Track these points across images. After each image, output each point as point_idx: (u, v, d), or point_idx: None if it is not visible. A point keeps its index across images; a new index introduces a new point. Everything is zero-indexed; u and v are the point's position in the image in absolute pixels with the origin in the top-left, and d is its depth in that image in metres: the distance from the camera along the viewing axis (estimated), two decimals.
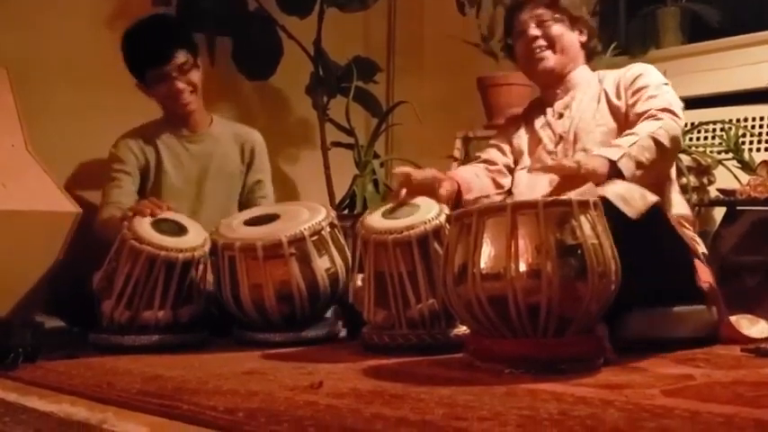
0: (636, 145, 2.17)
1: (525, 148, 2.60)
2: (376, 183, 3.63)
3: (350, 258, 2.46)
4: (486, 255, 1.73)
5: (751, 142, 3.28)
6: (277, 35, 3.68)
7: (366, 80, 3.88)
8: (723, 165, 3.16)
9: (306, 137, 3.99)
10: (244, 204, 3.01)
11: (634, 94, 2.41)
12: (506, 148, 2.66)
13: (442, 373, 1.82)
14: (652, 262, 1.88)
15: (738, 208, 2.94)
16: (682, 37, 3.76)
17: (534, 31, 2.51)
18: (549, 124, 2.56)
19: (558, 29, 2.52)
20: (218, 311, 2.50)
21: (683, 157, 3.12)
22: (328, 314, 2.56)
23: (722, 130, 3.23)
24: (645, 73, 2.45)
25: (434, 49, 4.28)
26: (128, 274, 2.32)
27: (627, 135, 2.24)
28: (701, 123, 3.32)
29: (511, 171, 2.64)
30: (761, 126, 3.31)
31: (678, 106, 2.34)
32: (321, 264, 2.41)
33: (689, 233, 2.31)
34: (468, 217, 1.78)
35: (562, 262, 1.69)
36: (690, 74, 3.47)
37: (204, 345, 2.41)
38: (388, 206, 2.32)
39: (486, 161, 2.65)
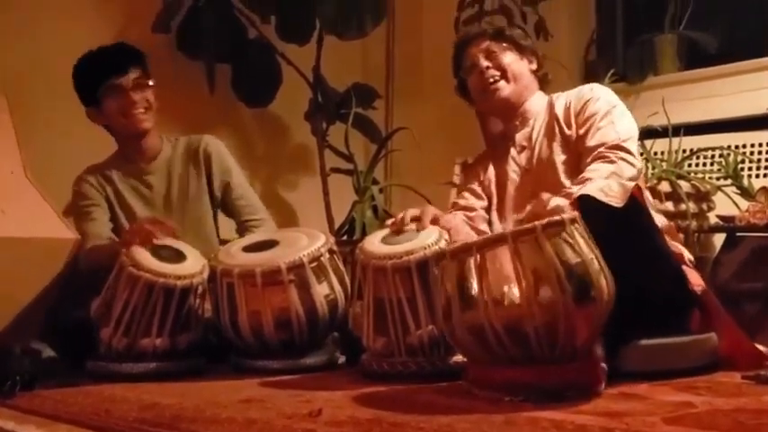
0: (591, 183, 2.10)
1: (494, 186, 2.58)
2: (375, 209, 3.64)
3: (349, 285, 2.46)
4: (492, 285, 1.73)
5: (750, 168, 3.29)
6: (276, 62, 3.70)
7: (365, 106, 3.90)
8: (722, 191, 3.16)
9: (305, 163, 4.00)
10: (226, 213, 2.92)
11: (583, 123, 2.39)
12: (479, 189, 2.62)
13: (441, 400, 1.81)
14: (638, 268, 1.90)
15: (738, 234, 2.94)
16: (679, 64, 3.78)
17: (485, 62, 2.51)
18: (513, 159, 2.54)
19: (507, 58, 2.52)
20: (217, 338, 2.49)
21: (683, 183, 3.12)
22: (327, 341, 2.55)
23: (721, 156, 3.24)
24: (593, 97, 2.42)
25: (433, 75, 4.29)
26: (126, 301, 2.31)
27: (580, 180, 2.20)
28: (699, 150, 3.33)
29: (489, 211, 2.60)
30: (759, 152, 3.31)
31: (629, 133, 2.32)
32: (320, 290, 2.40)
33: (672, 242, 2.28)
34: (466, 252, 1.78)
35: (569, 282, 1.69)
36: (688, 101, 3.49)
37: (202, 372, 2.40)
38: (387, 231, 2.31)
39: (464, 208, 2.59)
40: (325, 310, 2.40)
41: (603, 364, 1.81)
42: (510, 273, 1.72)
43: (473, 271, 1.75)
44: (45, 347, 2.53)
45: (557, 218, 1.77)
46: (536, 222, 1.76)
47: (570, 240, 1.73)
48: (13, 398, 1.99)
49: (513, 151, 2.55)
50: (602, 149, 2.28)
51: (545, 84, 2.62)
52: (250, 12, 3.58)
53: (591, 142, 2.33)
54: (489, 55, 2.52)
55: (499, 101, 2.53)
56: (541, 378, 1.73)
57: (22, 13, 3.16)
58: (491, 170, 2.61)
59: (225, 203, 2.91)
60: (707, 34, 3.67)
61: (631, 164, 2.24)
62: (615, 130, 2.32)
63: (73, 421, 1.68)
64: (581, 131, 2.39)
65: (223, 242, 2.85)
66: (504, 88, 2.51)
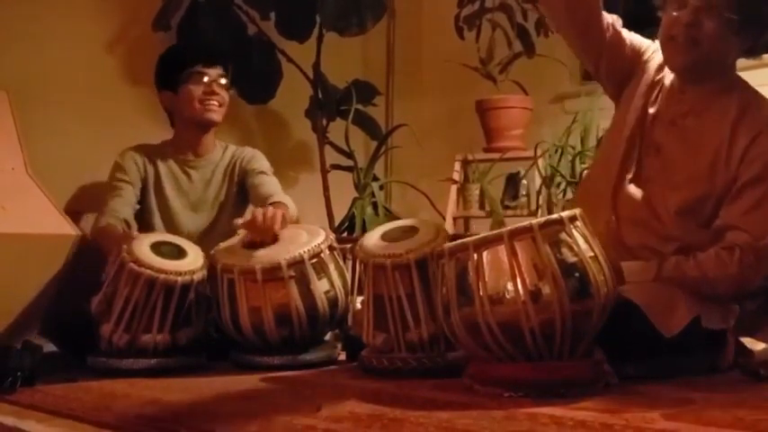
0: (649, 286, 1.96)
1: (623, 114, 2.18)
2: (375, 205, 3.64)
3: (349, 281, 2.46)
4: (489, 283, 1.73)
5: None
6: (276, 59, 3.70)
7: (365, 103, 3.90)
8: None
9: (305, 159, 4.00)
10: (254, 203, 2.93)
11: (744, 187, 1.98)
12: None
13: (441, 396, 1.81)
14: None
15: None
16: None
17: (688, 16, 2.00)
18: (655, 121, 2.14)
19: (715, 28, 1.99)
20: (217, 334, 2.49)
21: None
22: (327, 337, 2.56)
23: None
24: None
25: (433, 72, 4.30)
26: (127, 297, 2.32)
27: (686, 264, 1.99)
28: None
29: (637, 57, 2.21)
30: None
31: None
32: (320, 286, 2.40)
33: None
34: (464, 250, 1.78)
35: (566, 281, 1.70)
36: None
37: (203, 368, 2.40)
38: (387, 228, 2.32)
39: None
40: (325, 307, 2.40)
41: (607, 366, 1.82)
42: (507, 271, 1.72)
43: (470, 269, 1.75)
44: (46, 343, 2.53)
45: (555, 216, 1.78)
46: (533, 221, 1.76)
47: (569, 239, 1.74)
48: (14, 393, 1.99)
49: (662, 117, 2.14)
50: (735, 237, 1.97)
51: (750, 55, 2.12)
52: (250, 8, 3.58)
53: (731, 209, 1.99)
54: (704, 9, 2.00)
55: (673, 62, 2.09)
56: (541, 374, 1.73)
57: (22, 11, 3.16)
58: (629, 100, 2.19)
59: (252, 192, 2.93)
60: None
61: (748, 280, 2.00)
62: (764, 220, 1.96)
63: (73, 417, 1.68)
64: (736, 187, 1.99)
65: None
66: (684, 55, 2.05)
